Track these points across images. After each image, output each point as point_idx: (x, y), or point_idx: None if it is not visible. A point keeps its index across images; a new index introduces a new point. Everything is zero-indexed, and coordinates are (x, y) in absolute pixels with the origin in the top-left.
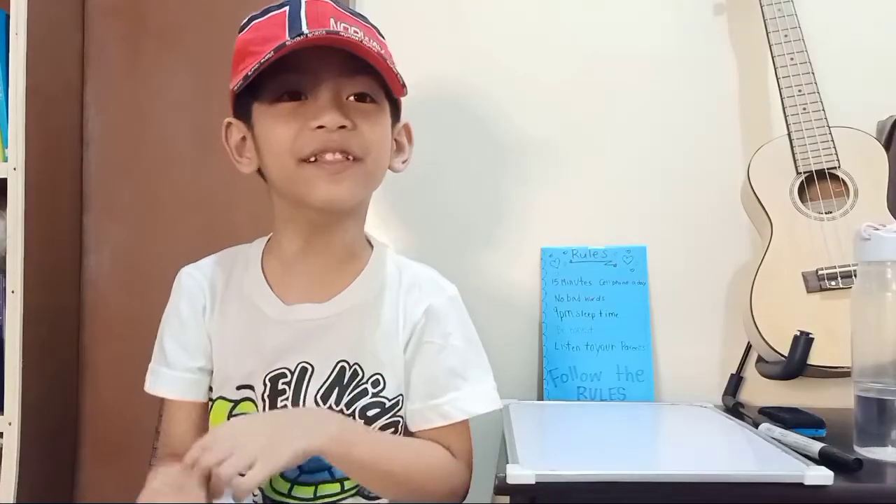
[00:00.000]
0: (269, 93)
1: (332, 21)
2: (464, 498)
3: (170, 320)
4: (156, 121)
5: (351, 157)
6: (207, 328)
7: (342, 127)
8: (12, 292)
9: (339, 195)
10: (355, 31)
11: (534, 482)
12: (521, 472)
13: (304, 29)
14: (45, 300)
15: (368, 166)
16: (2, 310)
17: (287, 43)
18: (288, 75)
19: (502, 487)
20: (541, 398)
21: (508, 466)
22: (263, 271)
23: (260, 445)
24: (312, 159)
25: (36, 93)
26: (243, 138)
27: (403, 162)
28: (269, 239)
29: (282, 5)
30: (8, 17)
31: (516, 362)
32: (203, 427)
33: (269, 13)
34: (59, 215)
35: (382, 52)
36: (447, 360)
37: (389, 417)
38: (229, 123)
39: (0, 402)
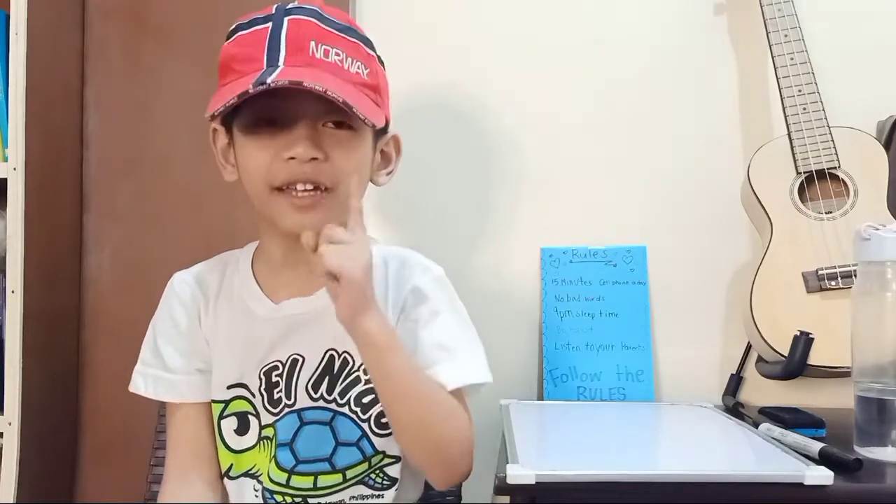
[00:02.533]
0: (247, 116)
1: (312, 45)
2: (469, 456)
3: (164, 326)
4: (156, 121)
5: (322, 188)
6: (204, 333)
7: (314, 158)
8: (12, 292)
9: (307, 225)
10: (336, 54)
11: (534, 482)
12: (521, 472)
13: (276, 65)
14: (45, 300)
15: (340, 196)
16: (2, 310)
17: (249, 91)
18: (263, 101)
19: (502, 487)
20: (541, 398)
21: (508, 466)
22: (254, 273)
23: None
24: (284, 188)
25: (36, 93)
26: (228, 143)
27: (388, 174)
28: (258, 243)
29: (267, 18)
30: (8, 17)
31: (516, 362)
32: (211, 428)
33: (253, 26)
34: (59, 215)
35: (362, 68)
36: (433, 334)
37: None
38: (215, 129)
39: (0, 402)
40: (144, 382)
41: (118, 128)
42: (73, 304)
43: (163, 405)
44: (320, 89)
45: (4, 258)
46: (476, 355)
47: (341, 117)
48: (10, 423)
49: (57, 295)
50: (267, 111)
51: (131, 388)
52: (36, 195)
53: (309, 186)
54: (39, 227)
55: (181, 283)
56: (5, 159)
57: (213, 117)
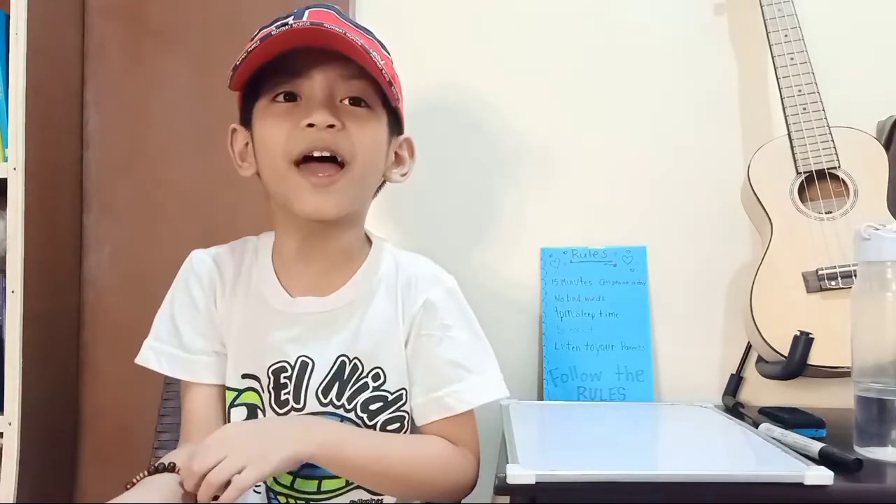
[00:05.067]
0: (266, 94)
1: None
2: (471, 489)
3: (182, 303)
4: (156, 121)
5: (339, 162)
6: (219, 316)
7: (331, 126)
8: (12, 292)
9: (324, 207)
10: (354, 39)
11: (534, 482)
12: (521, 472)
13: (294, 24)
14: (45, 300)
15: (356, 172)
16: (2, 310)
17: (273, 33)
18: (283, 77)
19: (502, 487)
20: (541, 398)
21: (508, 466)
22: (273, 263)
23: (250, 451)
24: (302, 160)
25: (36, 93)
26: (246, 144)
27: (402, 175)
28: (274, 235)
29: (288, 15)
30: (8, 17)
31: (516, 362)
32: (223, 410)
33: (275, 23)
34: (59, 215)
35: (378, 59)
36: (447, 352)
37: (393, 412)
38: (234, 129)
39: (0, 403)
40: (157, 358)
41: (118, 128)
42: (72, 304)
43: (163, 405)
44: (340, 31)
45: (4, 258)
46: (489, 371)
47: (359, 93)
48: (10, 423)
49: (57, 295)
50: (285, 86)
51: (140, 361)
52: (36, 195)
53: (326, 153)
54: (39, 227)
55: (200, 263)
56: (5, 159)
57: (234, 72)
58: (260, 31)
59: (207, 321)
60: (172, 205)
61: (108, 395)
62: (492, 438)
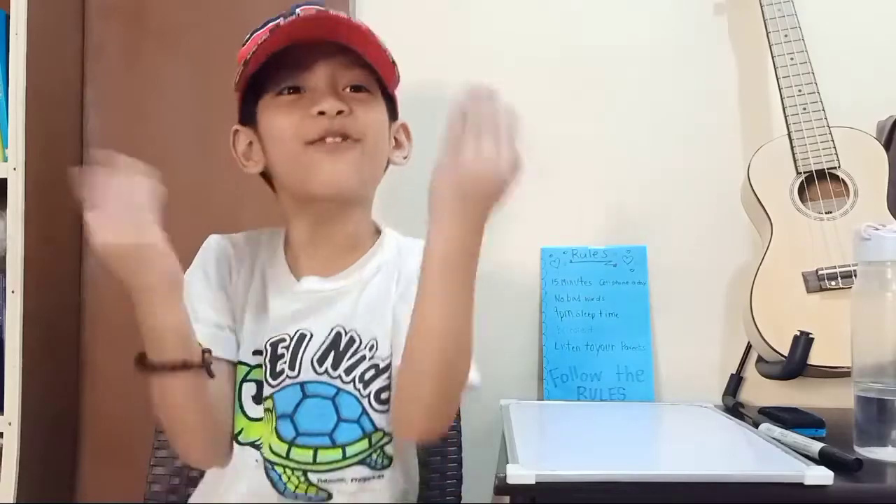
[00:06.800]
0: (271, 90)
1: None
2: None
3: (196, 279)
4: (156, 121)
5: (350, 139)
6: (233, 293)
7: (340, 112)
8: (12, 292)
9: (340, 173)
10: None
11: (534, 482)
12: (521, 472)
13: (298, 12)
14: (45, 300)
15: (367, 147)
16: (2, 310)
17: (281, 24)
18: (287, 71)
19: (502, 487)
20: (541, 398)
21: (508, 466)
22: (283, 250)
23: None
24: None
25: (36, 93)
26: (250, 143)
27: (404, 157)
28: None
29: (278, 16)
30: (8, 17)
31: (516, 362)
32: (232, 386)
33: (266, 25)
34: (59, 215)
35: (378, 41)
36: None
37: (385, 378)
38: (236, 130)
39: (0, 402)
40: None
41: (118, 128)
42: (73, 304)
43: None
44: (344, 16)
45: (4, 258)
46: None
47: (360, 81)
48: (10, 423)
49: (57, 295)
50: (289, 80)
51: None
52: (36, 195)
53: (339, 139)
54: (39, 227)
55: (217, 244)
56: (5, 159)
57: (244, 66)
58: (252, 35)
59: (223, 298)
60: (173, 205)
61: (108, 395)
62: (492, 438)
